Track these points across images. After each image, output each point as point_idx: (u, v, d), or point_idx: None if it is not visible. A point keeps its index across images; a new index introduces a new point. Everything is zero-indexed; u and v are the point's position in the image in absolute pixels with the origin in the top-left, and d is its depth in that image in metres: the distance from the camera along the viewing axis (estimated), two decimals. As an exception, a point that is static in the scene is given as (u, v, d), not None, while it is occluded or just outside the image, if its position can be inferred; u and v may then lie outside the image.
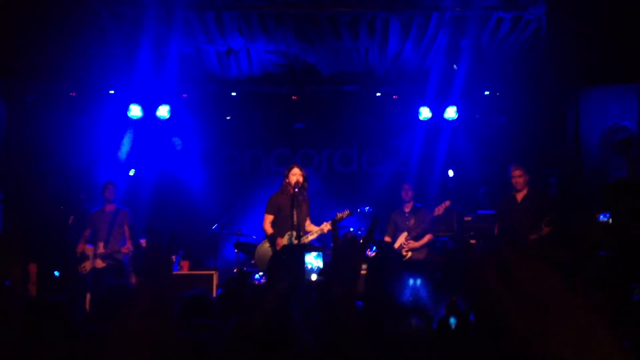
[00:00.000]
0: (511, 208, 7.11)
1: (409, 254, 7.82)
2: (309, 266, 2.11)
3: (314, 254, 2.11)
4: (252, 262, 7.71)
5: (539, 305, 0.69)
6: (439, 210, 7.61)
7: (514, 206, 7.11)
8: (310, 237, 6.86)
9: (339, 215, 7.06)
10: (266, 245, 7.11)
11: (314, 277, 2.13)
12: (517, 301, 0.70)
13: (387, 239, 8.12)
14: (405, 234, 7.91)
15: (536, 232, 6.73)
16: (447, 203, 7.61)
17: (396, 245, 7.91)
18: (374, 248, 8.01)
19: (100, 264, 7.67)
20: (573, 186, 8.21)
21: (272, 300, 2.13)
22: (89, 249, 7.78)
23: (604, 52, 7.36)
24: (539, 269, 0.73)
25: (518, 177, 7.09)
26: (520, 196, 7.12)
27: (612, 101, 7.95)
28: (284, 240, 6.80)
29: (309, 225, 7.12)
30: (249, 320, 2.08)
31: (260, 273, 6.83)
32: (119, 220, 7.84)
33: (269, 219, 7.08)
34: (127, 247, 7.75)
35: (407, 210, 8.10)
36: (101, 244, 7.71)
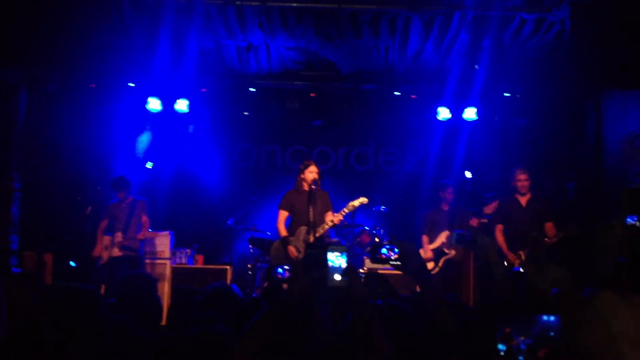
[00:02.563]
0: (516, 211, 7.19)
1: (452, 252, 7.81)
2: (332, 265, 2.07)
3: (337, 253, 2.07)
4: (267, 258, 7.71)
5: (636, 346, 0.69)
6: (488, 209, 7.55)
7: (520, 210, 7.18)
8: (321, 231, 6.80)
9: (351, 203, 6.85)
10: (274, 250, 7.11)
11: (337, 277, 2.08)
12: (614, 341, 0.70)
13: (425, 237, 8.03)
14: (446, 233, 7.87)
15: (550, 235, 6.79)
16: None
17: (436, 244, 7.86)
18: (396, 250, 7.91)
19: (116, 252, 7.73)
20: (592, 191, 8.12)
21: (295, 293, 2.12)
22: (106, 239, 7.85)
23: (627, 56, 7.27)
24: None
25: (524, 180, 7.18)
26: (524, 200, 7.21)
27: (634, 106, 7.84)
28: (292, 246, 6.80)
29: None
30: (271, 315, 2.06)
31: (286, 267, 6.84)
32: (137, 211, 7.91)
33: (283, 215, 7.07)
34: (143, 234, 7.80)
35: (445, 208, 8.08)
36: (119, 234, 7.77)
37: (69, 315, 2.04)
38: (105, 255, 7.78)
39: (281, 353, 2.17)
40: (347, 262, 2.16)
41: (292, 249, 6.80)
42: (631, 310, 0.70)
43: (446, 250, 7.84)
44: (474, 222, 7.66)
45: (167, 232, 8.38)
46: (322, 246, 2.19)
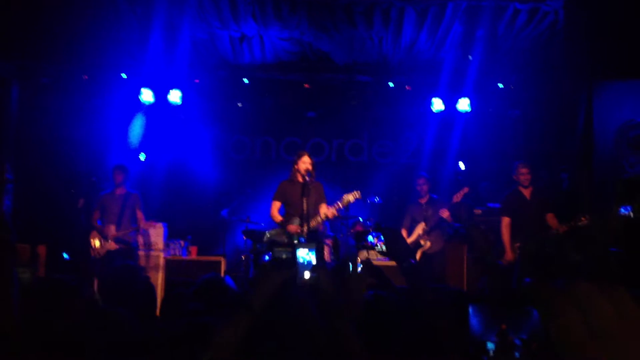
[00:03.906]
0: (522, 205, 7.30)
1: (428, 244, 7.86)
2: (301, 262, 2.03)
3: (306, 250, 2.04)
4: (264, 246, 7.70)
5: (612, 335, 0.69)
6: (457, 197, 7.71)
7: (525, 202, 7.30)
8: (314, 224, 6.83)
9: (345, 197, 6.87)
10: (273, 232, 7.12)
11: (307, 274, 2.05)
12: (590, 331, 0.70)
13: (404, 231, 8.11)
14: (422, 225, 7.96)
15: (555, 228, 6.92)
16: (466, 190, 7.71)
17: (413, 237, 7.93)
18: (382, 237, 8.00)
19: (113, 246, 7.72)
20: (585, 181, 8.14)
21: (263, 292, 2.10)
22: (97, 234, 7.81)
23: (620, 46, 7.27)
24: (617, 301, 0.72)
25: (527, 174, 7.33)
26: (528, 193, 7.35)
27: (628, 96, 7.85)
28: (293, 227, 6.81)
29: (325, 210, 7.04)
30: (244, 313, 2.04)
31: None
32: (130, 204, 7.89)
33: (275, 205, 7.08)
34: (141, 226, 7.80)
35: (423, 202, 8.16)
36: (113, 227, 7.75)
37: (57, 307, 2.04)
38: (102, 251, 7.73)
39: (271, 349, 2.17)
40: (316, 258, 2.13)
41: (292, 226, 6.80)
42: (608, 301, 0.70)
43: (422, 242, 7.90)
44: (444, 213, 7.76)
45: (160, 224, 8.36)
46: (289, 244, 2.16)
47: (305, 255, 2.10)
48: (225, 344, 1.93)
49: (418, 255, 7.90)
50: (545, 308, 0.70)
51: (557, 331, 0.68)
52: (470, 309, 2.07)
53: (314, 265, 2.09)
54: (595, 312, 0.67)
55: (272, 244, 6.90)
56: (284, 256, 2.13)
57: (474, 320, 2.05)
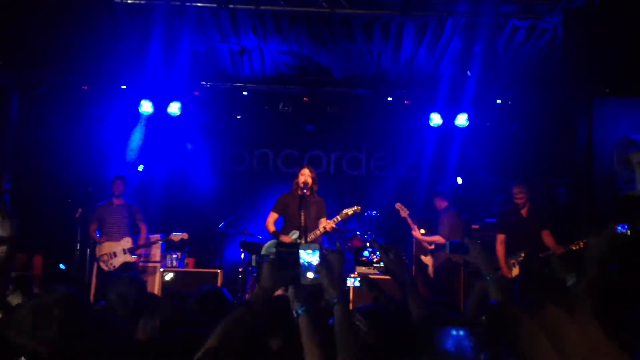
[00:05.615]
0: (518, 222, 7.31)
1: (429, 259, 8.01)
2: (304, 263, 2.01)
3: (309, 250, 2.02)
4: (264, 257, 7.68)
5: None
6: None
7: (522, 221, 7.30)
8: (312, 237, 6.81)
9: (345, 211, 6.93)
10: (268, 244, 7.12)
11: (310, 275, 2.04)
12: (559, 355, 0.71)
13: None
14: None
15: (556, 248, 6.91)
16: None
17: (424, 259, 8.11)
18: (377, 253, 7.97)
19: (130, 258, 7.71)
20: (583, 196, 8.15)
21: (262, 294, 2.10)
22: (112, 244, 7.76)
23: (618, 63, 7.31)
24: (585, 326, 0.73)
25: (520, 198, 7.31)
26: (524, 210, 7.34)
27: (625, 113, 7.89)
28: (288, 238, 6.81)
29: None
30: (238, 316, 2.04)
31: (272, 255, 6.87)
32: (132, 215, 7.90)
33: (272, 216, 7.09)
34: (151, 239, 7.91)
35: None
36: (129, 239, 7.74)
37: (56, 318, 2.03)
38: (117, 263, 7.69)
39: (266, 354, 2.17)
40: (319, 259, 2.11)
41: (286, 237, 6.81)
42: (575, 325, 0.71)
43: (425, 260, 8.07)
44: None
45: (157, 235, 8.35)
46: (292, 245, 2.15)
47: (308, 256, 2.09)
48: (223, 341, 1.93)
49: (430, 270, 8.04)
50: (513, 331, 0.70)
51: (527, 354, 0.69)
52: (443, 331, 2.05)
53: (317, 266, 2.07)
54: (563, 336, 0.68)
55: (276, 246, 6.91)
56: (287, 257, 2.12)
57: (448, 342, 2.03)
